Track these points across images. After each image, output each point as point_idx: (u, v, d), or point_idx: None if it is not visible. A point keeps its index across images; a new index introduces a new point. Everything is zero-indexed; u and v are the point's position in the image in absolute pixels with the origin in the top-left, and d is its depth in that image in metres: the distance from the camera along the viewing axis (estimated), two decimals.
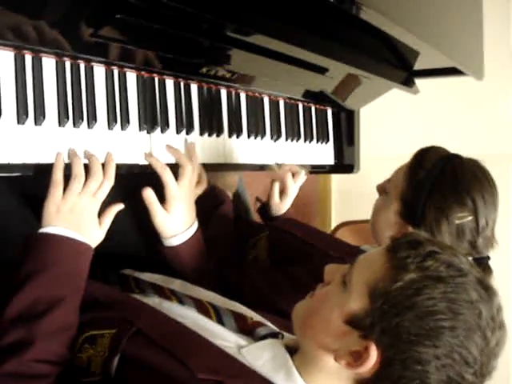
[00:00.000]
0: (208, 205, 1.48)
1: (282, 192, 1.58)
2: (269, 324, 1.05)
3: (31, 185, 1.15)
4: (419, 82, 1.81)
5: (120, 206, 1.15)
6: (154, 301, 1.11)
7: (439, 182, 1.22)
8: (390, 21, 1.29)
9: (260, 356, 0.93)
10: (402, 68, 1.72)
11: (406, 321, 0.79)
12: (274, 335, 1.01)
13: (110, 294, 1.09)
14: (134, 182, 1.28)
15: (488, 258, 1.25)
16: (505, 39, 2.77)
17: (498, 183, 1.26)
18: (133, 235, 1.37)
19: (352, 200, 3.16)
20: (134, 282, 1.21)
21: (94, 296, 1.06)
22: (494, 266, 1.24)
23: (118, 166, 1.13)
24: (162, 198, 1.25)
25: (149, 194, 1.23)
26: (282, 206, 1.58)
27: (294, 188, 1.57)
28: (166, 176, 1.22)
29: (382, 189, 1.35)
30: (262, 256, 1.44)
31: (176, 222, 1.26)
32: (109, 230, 1.13)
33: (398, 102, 2.87)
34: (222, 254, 1.40)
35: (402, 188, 1.27)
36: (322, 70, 1.48)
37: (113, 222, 1.13)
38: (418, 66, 1.75)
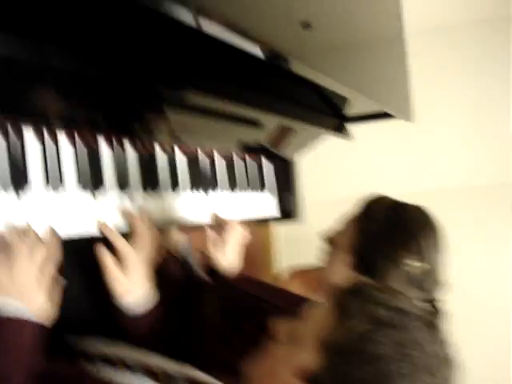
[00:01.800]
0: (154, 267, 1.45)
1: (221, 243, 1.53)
2: None
3: None
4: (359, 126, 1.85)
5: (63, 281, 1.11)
6: (107, 373, 1.06)
7: (386, 232, 1.24)
8: (319, 72, 1.32)
9: None
10: (333, 115, 1.75)
11: (354, 368, 0.78)
12: None
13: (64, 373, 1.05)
14: (81, 247, 1.25)
15: (436, 300, 1.27)
16: None
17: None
18: (76, 299, 1.32)
19: (293, 246, 3.16)
20: (82, 355, 1.16)
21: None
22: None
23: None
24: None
25: (102, 254, 1.20)
26: (227, 261, 1.53)
27: (228, 235, 1.52)
28: (123, 246, 1.20)
29: (332, 241, 1.36)
30: (212, 315, 1.40)
31: (136, 287, 1.23)
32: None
33: (337, 147, 2.94)
34: (170, 316, 1.36)
35: (351, 239, 1.29)
36: (253, 123, 1.49)
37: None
38: (351, 112, 1.78)
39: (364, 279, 0.94)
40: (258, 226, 1.89)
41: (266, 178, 1.83)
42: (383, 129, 2.50)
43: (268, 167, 1.86)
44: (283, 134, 1.71)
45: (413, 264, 1.22)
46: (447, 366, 0.82)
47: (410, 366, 0.78)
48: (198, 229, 1.52)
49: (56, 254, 1.07)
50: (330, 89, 1.54)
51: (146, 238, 1.24)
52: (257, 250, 3.38)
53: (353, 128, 1.86)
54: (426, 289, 1.23)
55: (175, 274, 1.51)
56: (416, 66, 1.89)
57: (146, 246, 1.24)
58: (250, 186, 1.75)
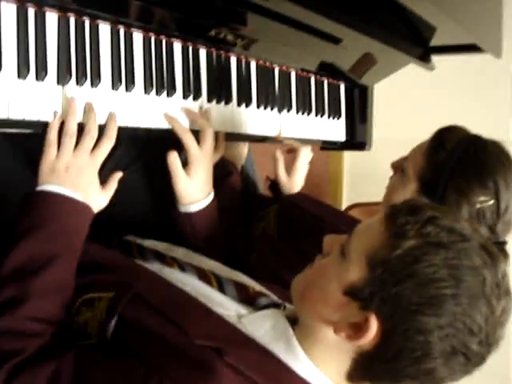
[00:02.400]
0: (216, 176, 1.46)
1: (290, 168, 1.53)
2: (271, 295, 1.03)
3: (33, 145, 1.12)
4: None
5: (120, 174, 1.11)
6: (154, 266, 1.09)
7: (461, 164, 1.18)
8: None
9: (260, 325, 0.91)
10: (417, 43, 1.67)
11: (407, 289, 0.76)
12: (275, 305, 0.99)
13: (110, 257, 1.07)
14: (144, 146, 1.26)
15: (505, 242, 1.21)
16: None
17: None
18: (141, 201, 1.35)
19: (363, 182, 3.12)
20: (136, 248, 1.19)
21: (93, 258, 1.04)
22: None
23: (122, 129, 1.10)
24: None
25: (173, 159, 1.21)
26: (292, 184, 1.53)
27: (301, 163, 1.52)
28: (188, 139, 1.20)
29: (398, 167, 1.31)
30: (270, 229, 1.41)
31: (196, 188, 1.25)
32: (116, 196, 1.10)
33: (412, 84, 2.84)
34: (230, 225, 1.37)
35: (421, 167, 1.22)
36: (335, 40, 1.43)
37: (121, 187, 1.11)
38: (434, 42, 1.70)
39: (424, 199, 0.89)
40: (328, 151, 1.86)
41: (342, 103, 1.78)
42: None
43: (345, 93, 1.82)
44: (364, 58, 1.65)
45: (487, 202, 1.16)
46: (508, 300, 0.79)
47: (465, 292, 0.75)
48: (265, 143, 1.51)
49: (110, 141, 1.06)
50: (420, 14, 1.48)
51: (208, 136, 1.23)
52: (325, 183, 3.36)
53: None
54: (495, 230, 1.17)
55: (237, 185, 1.51)
56: None
57: (209, 144, 1.24)
58: (325, 110, 1.71)
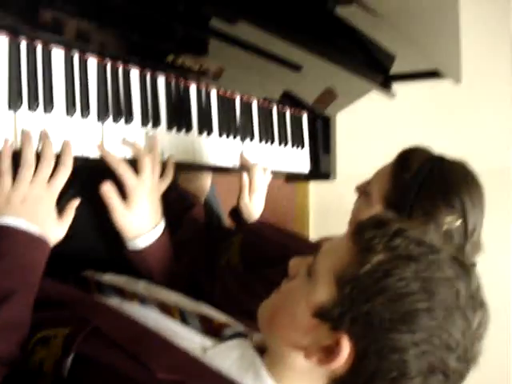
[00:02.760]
0: (178, 208, 1.41)
1: (250, 190, 1.48)
2: (237, 325, 0.98)
3: None
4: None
5: (77, 201, 1.07)
6: (114, 301, 1.03)
7: (427, 184, 1.16)
8: (373, 17, 1.26)
9: (227, 357, 0.85)
10: (377, 70, 1.68)
11: (378, 306, 0.72)
12: (242, 335, 0.93)
13: (66, 292, 1.01)
14: (93, 179, 1.21)
15: (474, 264, 1.19)
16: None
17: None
18: (94, 236, 1.28)
19: (330, 217, 3.09)
20: (95, 283, 1.13)
21: (47, 294, 0.98)
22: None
23: (77, 159, 1.06)
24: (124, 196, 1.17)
25: (107, 189, 1.14)
26: (251, 207, 1.48)
27: (257, 183, 1.46)
28: (122, 170, 1.13)
29: (363, 190, 1.29)
30: (234, 260, 1.36)
31: (139, 219, 1.17)
32: (70, 231, 1.05)
33: (378, 117, 2.85)
34: (192, 258, 1.32)
35: (386, 190, 1.20)
36: (296, 67, 1.42)
37: (74, 221, 1.06)
38: (394, 69, 1.71)
39: (390, 213, 0.86)
40: (292, 181, 1.83)
41: (300, 132, 1.77)
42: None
43: (308, 124, 1.80)
44: (328, 94, 1.65)
45: (454, 223, 1.14)
46: (484, 312, 0.76)
47: (439, 305, 0.72)
48: (225, 173, 1.47)
49: (68, 169, 1.02)
50: (380, 42, 1.48)
51: (145, 165, 1.16)
52: (291, 220, 3.34)
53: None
54: (464, 252, 1.15)
55: (200, 217, 1.46)
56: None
57: (148, 173, 1.16)
58: (288, 140, 1.69)
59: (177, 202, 1.38)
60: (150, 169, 1.17)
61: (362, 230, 0.79)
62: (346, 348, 0.73)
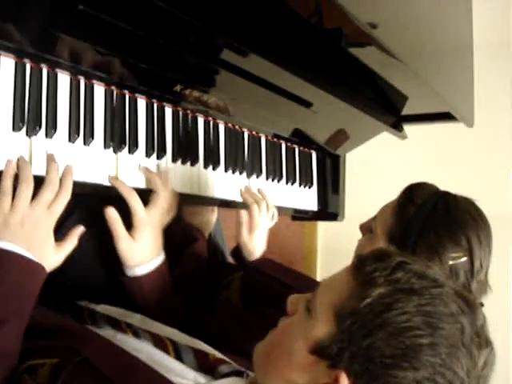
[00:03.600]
0: (181, 242, 1.38)
1: (250, 228, 1.46)
2: (232, 363, 0.94)
3: None
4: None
5: (81, 229, 1.04)
6: (107, 333, 0.99)
7: (432, 219, 1.12)
8: (388, 57, 1.25)
9: None
10: (389, 111, 1.66)
11: (378, 341, 0.68)
12: (237, 374, 0.90)
13: (57, 321, 0.98)
14: (96, 206, 1.19)
15: (481, 304, 1.14)
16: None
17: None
18: (92, 265, 1.25)
19: (338, 259, 3.05)
20: (88, 313, 1.09)
21: (38, 322, 0.95)
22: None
23: (80, 185, 1.04)
24: (128, 224, 1.14)
25: (112, 214, 1.12)
26: (252, 244, 1.45)
27: (257, 220, 1.45)
28: (134, 201, 1.12)
29: (367, 227, 1.25)
30: (234, 298, 1.33)
31: (142, 250, 1.16)
32: (69, 259, 1.02)
33: (387, 159, 2.83)
34: (191, 293, 1.29)
35: (390, 225, 1.17)
36: (306, 104, 1.41)
37: (74, 249, 1.03)
38: (406, 110, 1.70)
39: (392, 247, 0.82)
40: (299, 220, 1.80)
41: (313, 172, 1.74)
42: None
43: (317, 162, 1.78)
44: (339, 135, 1.64)
45: (459, 259, 1.10)
46: (490, 351, 0.71)
47: (443, 341, 0.68)
48: (230, 208, 1.44)
49: (68, 193, 0.99)
50: (392, 82, 1.47)
51: (161, 199, 1.16)
52: (299, 260, 3.30)
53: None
54: (471, 291, 1.11)
55: (202, 252, 1.43)
56: None
57: (159, 208, 1.16)
58: (296, 178, 1.67)
59: (179, 236, 1.35)
60: (163, 205, 1.16)
61: (362, 264, 0.75)
62: None
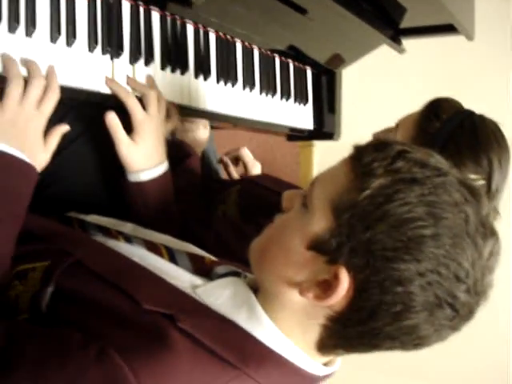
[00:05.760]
0: (174, 156, 1.34)
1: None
2: (229, 264, 0.91)
3: None
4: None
5: (66, 127, 1.00)
6: (97, 239, 0.96)
7: (456, 136, 1.09)
8: None
9: (219, 294, 0.79)
10: (387, 23, 1.59)
11: (379, 234, 0.65)
12: (235, 274, 0.87)
13: (47, 226, 0.95)
14: (91, 112, 1.14)
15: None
16: None
17: None
18: (88, 176, 1.21)
19: None
20: (78, 223, 1.06)
21: (27, 227, 0.91)
22: None
23: (67, 90, 0.99)
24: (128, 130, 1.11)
25: (112, 118, 1.08)
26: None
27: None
28: (131, 101, 1.08)
29: (382, 138, 1.21)
30: (231, 211, 1.30)
31: (144, 154, 1.12)
32: (60, 172, 1.02)
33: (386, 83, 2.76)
34: (187, 207, 1.26)
35: (411, 137, 1.13)
36: (301, 10, 1.34)
37: (67, 162, 1.00)
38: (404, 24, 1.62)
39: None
40: (293, 140, 1.75)
41: (304, 87, 1.68)
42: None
43: (312, 79, 1.71)
44: (331, 35, 1.56)
45: (477, 180, 1.06)
46: (495, 241, 0.68)
47: (447, 232, 0.65)
48: (223, 122, 1.40)
49: (55, 93, 0.95)
50: None
51: (155, 102, 1.11)
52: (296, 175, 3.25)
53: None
54: None
55: (195, 168, 1.40)
56: None
57: (156, 112, 1.12)
58: (291, 94, 1.61)
59: (171, 151, 1.31)
60: (156, 104, 1.12)
61: (360, 154, 0.72)
62: (344, 281, 0.67)
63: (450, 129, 1.10)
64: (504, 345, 2.57)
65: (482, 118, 1.14)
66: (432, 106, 1.16)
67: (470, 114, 1.15)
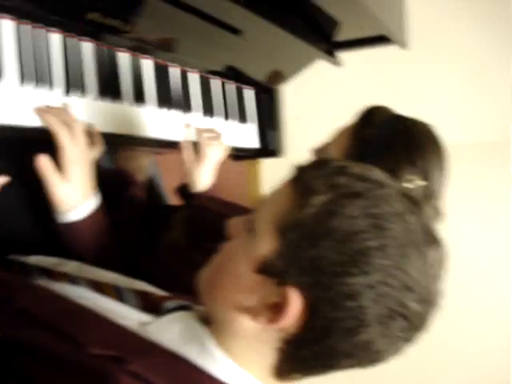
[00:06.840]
0: (116, 187, 1.32)
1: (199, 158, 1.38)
2: (177, 298, 0.89)
3: None
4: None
5: (5, 180, 0.97)
6: (40, 282, 0.93)
7: (390, 141, 1.10)
8: None
9: (167, 330, 0.77)
10: (321, 37, 1.60)
11: (325, 250, 0.64)
12: (183, 308, 0.85)
13: None
14: (18, 152, 1.11)
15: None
16: None
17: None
18: (19, 215, 1.17)
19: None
20: (19, 267, 1.02)
21: None
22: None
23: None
24: None
25: (45, 162, 1.04)
26: (198, 174, 1.38)
27: (209, 150, 1.37)
28: (63, 137, 1.04)
29: (321, 152, 1.21)
30: (178, 237, 1.27)
31: (77, 191, 1.08)
32: None
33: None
34: (132, 236, 1.23)
35: (346, 147, 1.13)
36: (234, 31, 1.34)
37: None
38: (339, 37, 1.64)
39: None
40: (239, 159, 1.74)
41: (246, 107, 1.68)
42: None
43: (249, 96, 1.71)
44: (266, 55, 1.57)
45: (414, 181, 1.07)
46: (440, 248, 0.69)
47: (392, 242, 0.65)
48: (167, 149, 1.37)
49: None
50: (323, 7, 1.41)
51: (80, 132, 1.08)
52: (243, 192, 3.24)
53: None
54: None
55: (138, 196, 1.37)
56: None
57: (83, 143, 1.09)
58: (227, 114, 1.60)
59: (114, 181, 1.28)
60: (81, 133, 1.08)
61: (300, 173, 0.72)
62: (295, 301, 0.66)
63: (383, 134, 1.11)
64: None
65: (413, 121, 1.16)
66: (365, 115, 1.17)
67: (402, 118, 1.16)
